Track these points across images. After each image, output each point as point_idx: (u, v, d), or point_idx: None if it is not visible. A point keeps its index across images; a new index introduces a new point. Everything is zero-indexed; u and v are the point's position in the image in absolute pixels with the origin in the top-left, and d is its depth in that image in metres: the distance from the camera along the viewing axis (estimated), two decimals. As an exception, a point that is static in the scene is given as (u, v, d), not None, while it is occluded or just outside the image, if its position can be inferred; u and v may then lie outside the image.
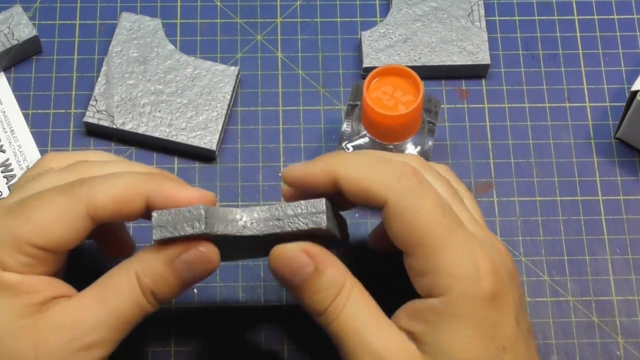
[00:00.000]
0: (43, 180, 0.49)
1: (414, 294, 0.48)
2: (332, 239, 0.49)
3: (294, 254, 0.47)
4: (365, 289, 0.48)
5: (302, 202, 0.47)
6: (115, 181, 0.47)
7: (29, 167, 0.55)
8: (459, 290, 0.45)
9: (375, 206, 0.47)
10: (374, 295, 0.48)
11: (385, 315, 0.48)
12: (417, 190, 0.46)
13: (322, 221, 0.47)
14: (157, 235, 0.45)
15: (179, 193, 0.47)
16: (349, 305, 0.47)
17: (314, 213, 0.47)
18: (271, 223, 0.47)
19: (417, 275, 0.47)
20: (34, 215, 0.46)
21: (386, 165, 0.47)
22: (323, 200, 0.47)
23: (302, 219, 0.47)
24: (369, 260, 0.59)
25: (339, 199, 0.49)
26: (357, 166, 0.47)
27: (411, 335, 0.47)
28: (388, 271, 0.60)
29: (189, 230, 0.45)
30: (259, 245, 0.49)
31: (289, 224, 0.47)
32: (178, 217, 0.45)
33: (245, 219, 0.47)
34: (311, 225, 0.47)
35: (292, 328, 0.58)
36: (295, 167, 0.49)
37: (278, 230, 0.47)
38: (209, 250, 0.46)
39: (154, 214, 0.46)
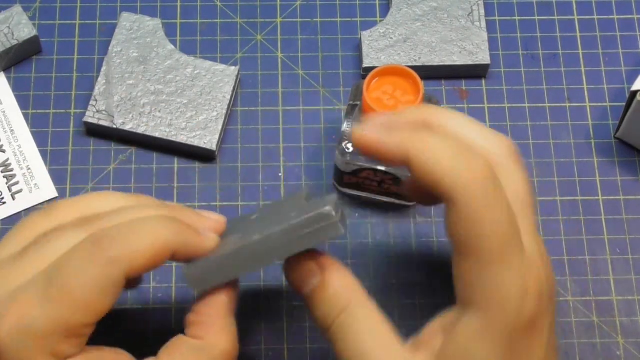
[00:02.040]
0: (58, 243, 0.46)
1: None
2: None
3: (303, 262, 0.47)
4: (374, 307, 0.46)
5: (310, 213, 0.45)
6: (147, 238, 0.45)
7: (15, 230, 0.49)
8: (500, 312, 0.43)
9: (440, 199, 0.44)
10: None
11: (395, 339, 0.46)
12: (489, 197, 0.43)
13: (339, 231, 0.45)
14: (198, 289, 0.47)
15: (199, 243, 0.47)
16: (353, 326, 0.45)
17: (324, 221, 0.45)
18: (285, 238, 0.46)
19: (463, 278, 0.44)
20: (77, 296, 0.43)
21: (464, 159, 0.44)
22: (331, 211, 0.45)
23: (314, 230, 0.45)
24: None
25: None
26: (432, 154, 0.44)
27: (434, 350, 0.45)
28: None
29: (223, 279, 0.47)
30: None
31: (300, 239, 0.45)
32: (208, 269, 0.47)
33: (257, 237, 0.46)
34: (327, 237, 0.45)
35: (292, 328, 0.58)
36: (368, 134, 0.47)
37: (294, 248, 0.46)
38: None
39: (186, 270, 0.47)
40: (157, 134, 0.62)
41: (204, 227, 0.48)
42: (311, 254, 0.47)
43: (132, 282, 0.50)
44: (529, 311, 0.44)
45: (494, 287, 0.43)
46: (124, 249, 0.44)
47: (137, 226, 0.45)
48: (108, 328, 0.58)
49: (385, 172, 0.58)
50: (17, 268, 0.46)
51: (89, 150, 0.63)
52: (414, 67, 0.59)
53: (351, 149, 0.58)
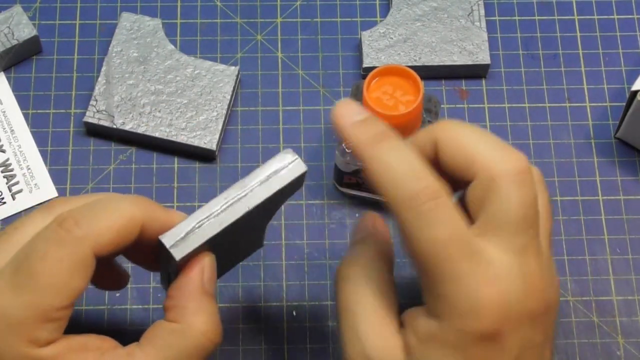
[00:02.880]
0: (26, 229, 0.46)
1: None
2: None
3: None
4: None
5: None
6: (113, 213, 0.45)
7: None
8: (451, 321, 0.43)
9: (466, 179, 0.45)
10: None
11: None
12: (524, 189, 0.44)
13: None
14: (179, 254, 0.45)
15: (168, 216, 0.46)
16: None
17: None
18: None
19: (421, 282, 0.45)
20: (47, 279, 0.43)
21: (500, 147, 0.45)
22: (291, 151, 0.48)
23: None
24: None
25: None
26: (467, 139, 0.46)
27: (404, 344, 0.45)
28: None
29: (200, 240, 0.46)
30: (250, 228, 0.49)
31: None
32: (185, 234, 0.46)
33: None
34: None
35: (292, 328, 0.58)
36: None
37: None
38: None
39: (163, 239, 0.45)
40: (157, 134, 0.62)
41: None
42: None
43: (116, 282, 0.50)
44: (484, 326, 0.43)
45: (442, 296, 0.44)
46: (89, 226, 0.44)
47: (102, 204, 0.45)
48: (108, 327, 0.58)
49: (385, 172, 0.58)
50: None
51: (89, 150, 0.63)
52: (414, 67, 0.59)
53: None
